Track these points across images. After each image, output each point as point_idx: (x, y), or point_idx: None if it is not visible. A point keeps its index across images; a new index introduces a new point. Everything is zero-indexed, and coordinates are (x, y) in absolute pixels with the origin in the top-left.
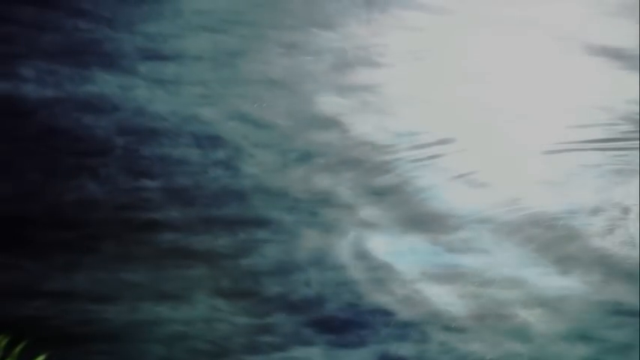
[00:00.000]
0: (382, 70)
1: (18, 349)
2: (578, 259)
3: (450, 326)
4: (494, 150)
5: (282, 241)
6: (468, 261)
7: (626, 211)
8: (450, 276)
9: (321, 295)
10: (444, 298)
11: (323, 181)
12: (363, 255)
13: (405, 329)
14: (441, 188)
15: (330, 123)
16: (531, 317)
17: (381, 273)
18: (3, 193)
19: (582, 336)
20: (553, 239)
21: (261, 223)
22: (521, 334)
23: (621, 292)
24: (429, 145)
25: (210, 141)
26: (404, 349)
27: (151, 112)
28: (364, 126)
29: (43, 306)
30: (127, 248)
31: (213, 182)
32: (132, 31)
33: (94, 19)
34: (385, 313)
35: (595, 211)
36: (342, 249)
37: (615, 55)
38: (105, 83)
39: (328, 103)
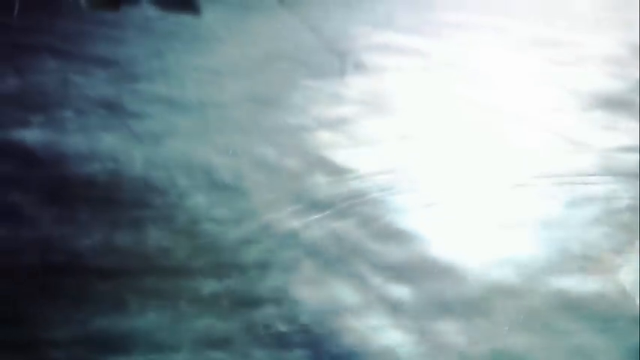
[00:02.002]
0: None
1: None
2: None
3: None
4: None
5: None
6: None
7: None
8: None
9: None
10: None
11: (338, 229)
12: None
13: None
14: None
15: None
16: None
17: (384, 318)
18: (25, 242)
19: None
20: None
21: (279, 267)
22: None
23: None
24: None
25: (224, 190)
26: None
27: (166, 161)
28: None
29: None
30: (155, 295)
31: (229, 231)
32: (153, 80)
33: (117, 69)
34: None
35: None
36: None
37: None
38: (126, 132)
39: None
